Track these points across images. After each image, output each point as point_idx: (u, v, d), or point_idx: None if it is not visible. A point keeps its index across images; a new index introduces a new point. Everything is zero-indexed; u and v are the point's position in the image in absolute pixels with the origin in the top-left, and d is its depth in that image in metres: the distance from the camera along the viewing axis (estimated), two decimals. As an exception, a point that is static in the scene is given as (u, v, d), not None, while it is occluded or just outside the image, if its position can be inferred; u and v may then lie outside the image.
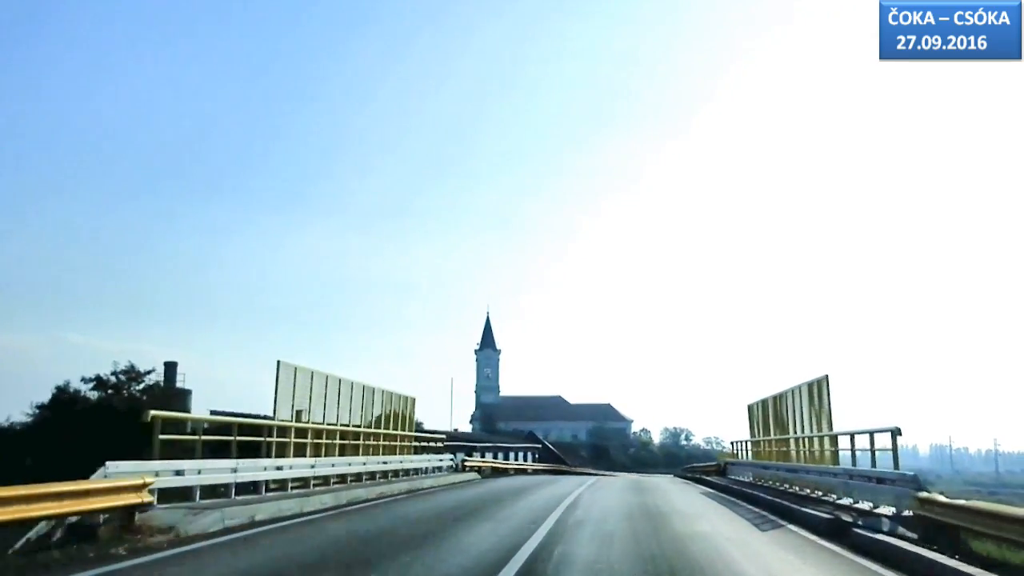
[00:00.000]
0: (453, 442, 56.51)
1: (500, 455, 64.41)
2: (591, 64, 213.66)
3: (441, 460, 30.23)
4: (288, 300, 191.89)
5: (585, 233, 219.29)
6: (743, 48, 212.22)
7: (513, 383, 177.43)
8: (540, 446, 73.92)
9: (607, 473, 78.18)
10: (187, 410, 39.89)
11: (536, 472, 56.32)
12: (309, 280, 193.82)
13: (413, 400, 28.12)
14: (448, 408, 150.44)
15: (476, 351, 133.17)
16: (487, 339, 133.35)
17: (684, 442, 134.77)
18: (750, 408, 26.39)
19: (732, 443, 29.38)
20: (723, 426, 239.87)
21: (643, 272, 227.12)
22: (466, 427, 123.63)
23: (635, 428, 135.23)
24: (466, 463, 33.01)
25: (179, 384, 55.23)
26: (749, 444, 27.31)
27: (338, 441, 20.63)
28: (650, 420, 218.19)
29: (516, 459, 67.59)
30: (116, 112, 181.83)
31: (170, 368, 57.28)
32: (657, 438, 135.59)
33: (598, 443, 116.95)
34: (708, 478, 29.91)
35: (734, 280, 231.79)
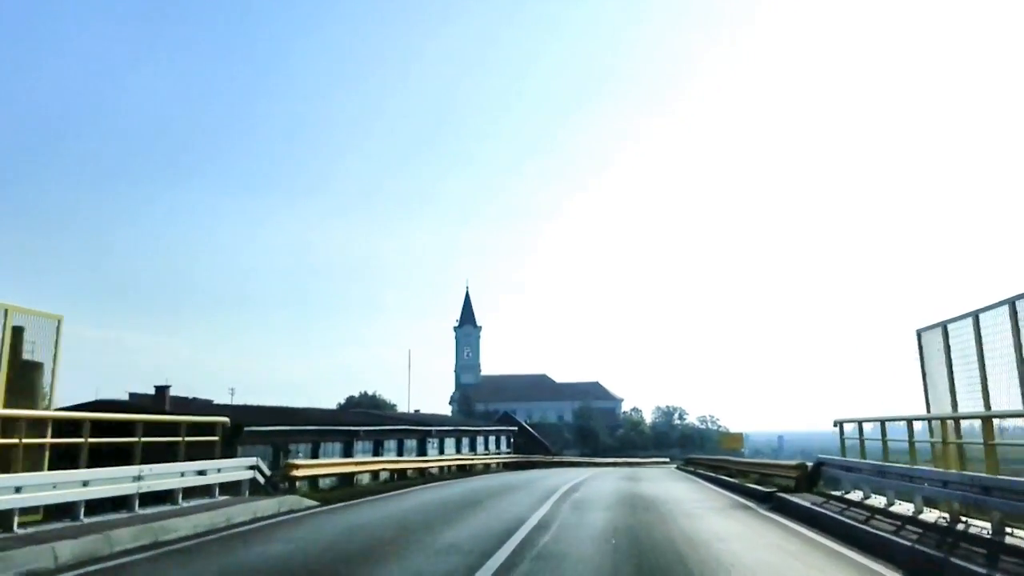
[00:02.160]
0: (401, 426, 40.70)
1: (465, 443, 48.70)
2: (574, 41, 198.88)
3: (200, 474, 13.58)
4: (270, 284, 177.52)
5: (570, 209, 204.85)
6: (725, 27, 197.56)
7: (495, 362, 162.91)
8: (516, 429, 58.14)
9: (594, 462, 62.31)
10: (36, 391, 24.65)
11: (492, 468, 40.36)
12: (290, 264, 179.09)
13: (57, 322, 11.95)
14: (433, 389, 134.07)
15: (455, 328, 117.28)
16: (467, 315, 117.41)
17: (677, 421, 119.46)
18: (921, 337, 10.46)
19: (840, 424, 13.25)
20: (720, 404, 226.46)
21: (632, 247, 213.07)
22: (445, 409, 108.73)
23: (625, 407, 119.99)
24: (296, 473, 16.36)
25: (27, 355, 39.76)
26: (924, 426, 10.81)
27: None
28: (641, 399, 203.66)
29: (486, 447, 52.01)
30: (95, 98, 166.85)
31: (16, 335, 41.89)
32: (648, 417, 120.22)
33: (585, 424, 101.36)
34: (797, 501, 12.53)
35: (727, 253, 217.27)
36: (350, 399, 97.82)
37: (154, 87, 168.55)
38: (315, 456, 31.63)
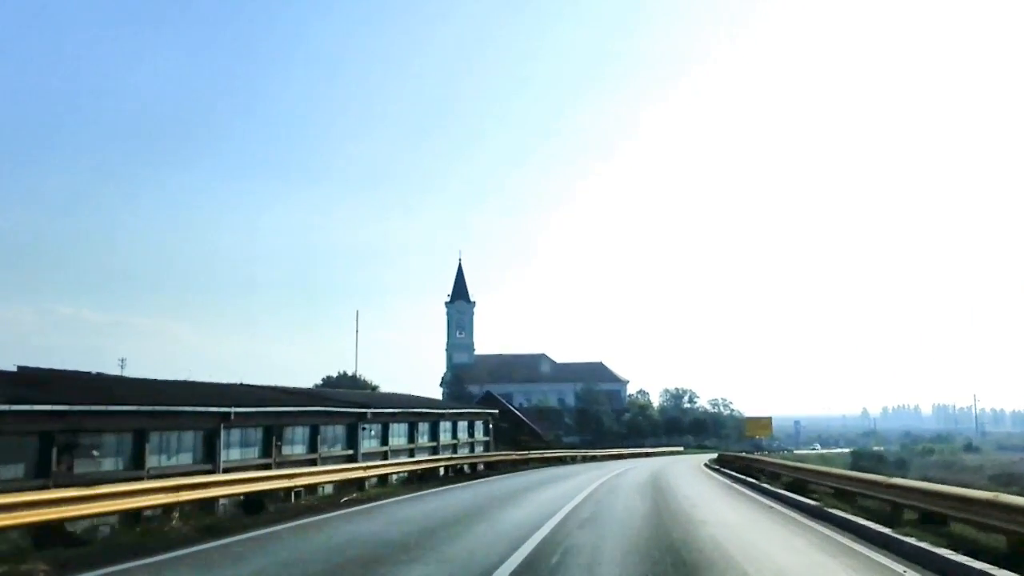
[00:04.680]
0: (315, 407, 27.28)
1: (424, 429, 35.49)
2: (581, 25, 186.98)
3: None
4: (274, 268, 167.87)
5: (577, 191, 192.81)
6: (730, 13, 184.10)
7: (493, 343, 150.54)
8: (496, 412, 44.51)
9: (592, 455, 48.59)
10: None
11: (395, 481, 26.61)
12: (293, 248, 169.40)
13: None
14: (426, 372, 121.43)
15: (447, 304, 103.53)
16: (459, 290, 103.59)
17: (687, 405, 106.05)
18: None
19: None
20: (731, 388, 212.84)
21: (637, 229, 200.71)
22: (436, 392, 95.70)
23: (631, 390, 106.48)
24: None
25: None
26: None
27: None
28: (648, 381, 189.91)
29: (454, 435, 38.66)
30: (99, 82, 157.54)
31: None
32: (656, 401, 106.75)
33: (587, 407, 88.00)
34: None
35: (733, 235, 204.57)
36: (327, 379, 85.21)
37: (161, 73, 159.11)
38: (138, 459, 18.36)
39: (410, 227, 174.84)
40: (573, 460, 39.77)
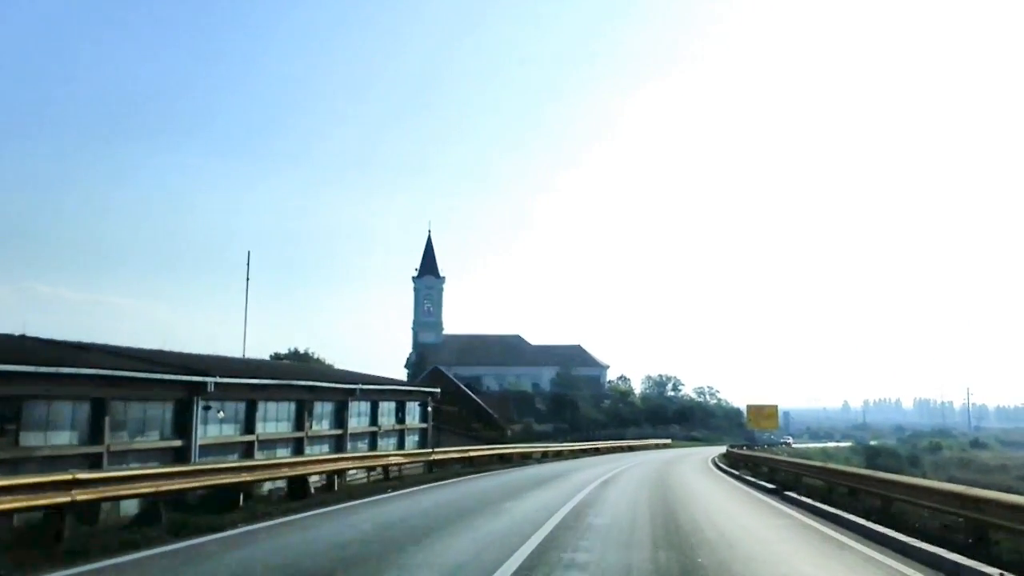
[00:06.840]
0: (87, 369, 16.17)
1: (324, 413, 25.14)
2: (568, 11, 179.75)
3: None
4: (255, 250, 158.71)
5: (560, 177, 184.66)
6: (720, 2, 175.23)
7: (466, 323, 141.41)
8: (438, 392, 33.77)
9: (554, 449, 38.07)
10: None
11: None
12: (276, 230, 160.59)
13: None
14: (397, 355, 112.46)
15: (414, 279, 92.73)
16: (428, 264, 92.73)
17: (671, 393, 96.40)
18: None
19: None
20: (713, 377, 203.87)
21: (621, 210, 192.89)
22: (401, 373, 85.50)
23: (611, 376, 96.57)
24: None
25: None
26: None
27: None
28: (629, 366, 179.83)
29: (374, 421, 28.20)
30: (79, 61, 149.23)
31: None
32: (638, 388, 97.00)
33: (563, 393, 77.89)
34: None
35: (718, 223, 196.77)
36: (275, 355, 75.03)
37: (146, 51, 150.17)
38: None
39: (389, 210, 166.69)
40: (524, 459, 29.06)
